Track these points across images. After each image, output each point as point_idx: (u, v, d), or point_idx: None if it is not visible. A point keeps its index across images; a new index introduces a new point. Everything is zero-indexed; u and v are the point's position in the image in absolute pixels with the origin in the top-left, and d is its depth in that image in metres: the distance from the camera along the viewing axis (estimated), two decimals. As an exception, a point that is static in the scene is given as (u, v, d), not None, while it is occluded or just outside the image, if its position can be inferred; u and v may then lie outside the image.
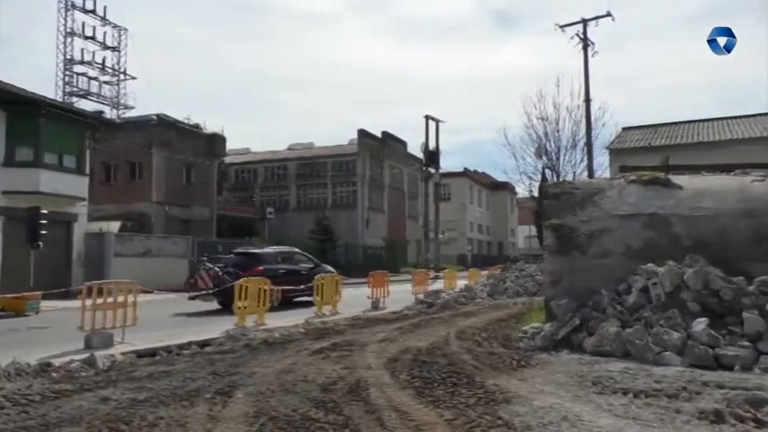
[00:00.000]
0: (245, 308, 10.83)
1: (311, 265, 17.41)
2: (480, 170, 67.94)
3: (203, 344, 8.53)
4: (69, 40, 40.53)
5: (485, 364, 6.59)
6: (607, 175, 24.67)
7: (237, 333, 9.24)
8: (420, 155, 42.14)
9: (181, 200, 33.40)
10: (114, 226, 26.40)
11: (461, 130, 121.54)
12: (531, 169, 33.29)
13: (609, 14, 27.44)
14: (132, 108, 42.15)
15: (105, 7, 41.36)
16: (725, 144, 24.14)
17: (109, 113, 38.56)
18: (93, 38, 41.02)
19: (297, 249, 19.65)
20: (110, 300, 8.78)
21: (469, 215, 64.12)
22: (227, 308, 12.44)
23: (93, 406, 4.96)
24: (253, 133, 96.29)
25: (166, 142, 32.87)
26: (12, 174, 19.64)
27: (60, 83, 40.52)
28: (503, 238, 72.43)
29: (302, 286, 14.93)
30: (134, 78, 43.34)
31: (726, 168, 10.73)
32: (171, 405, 4.93)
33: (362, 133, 45.83)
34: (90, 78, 41.36)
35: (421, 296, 16.07)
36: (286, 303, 14.15)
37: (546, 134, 32.38)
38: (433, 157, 39.60)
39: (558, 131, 32.23)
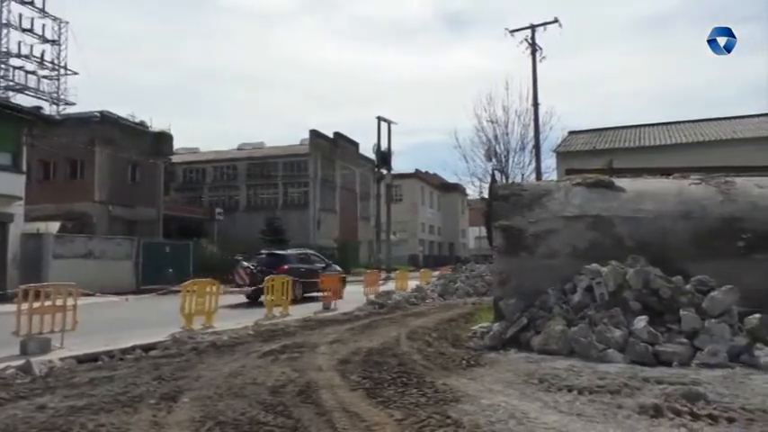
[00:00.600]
0: (273, 300, 12.87)
1: (323, 265, 19.85)
2: (432, 172, 68.70)
3: (148, 348, 8.28)
4: (5, 31, 38.61)
5: (435, 363, 6.64)
6: (554, 177, 25.29)
7: (184, 336, 9.01)
8: (372, 156, 42.17)
9: (125, 200, 32.36)
10: (53, 226, 25.28)
11: (413, 132, 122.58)
12: (481, 171, 33.86)
13: (556, 21, 28.19)
14: (73, 104, 40.47)
15: (44, -2, 39.65)
16: (665, 148, 25.11)
17: (48, 109, 36.96)
18: (31, 30, 39.17)
19: (312, 251, 22.55)
20: (48, 303, 8.40)
21: (421, 216, 64.68)
22: (254, 300, 15.08)
23: (28, 414, 4.74)
24: (201, 132, 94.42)
25: (110, 140, 31.79)
26: (-59, 171, 18.59)
27: (-5, 77, 38.62)
28: (454, 239, 73.36)
29: (317, 281, 17.07)
30: (75, 73, 41.60)
31: (665, 172, 11.16)
32: (113, 412, 4.76)
33: (314, 133, 45.60)
34: (27, 72, 39.43)
35: (372, 297, 16.10)
36: (300, 299, 16.11)
37: (495, 137, 32.99)
38: (385, 158, 39.66)
39: (507, 134, 32.88)
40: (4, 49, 38.66)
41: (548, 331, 7.33)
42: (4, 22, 38.53)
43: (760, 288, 7.38)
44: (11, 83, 39.07)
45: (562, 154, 27.48)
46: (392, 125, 39.88)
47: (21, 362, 6.86)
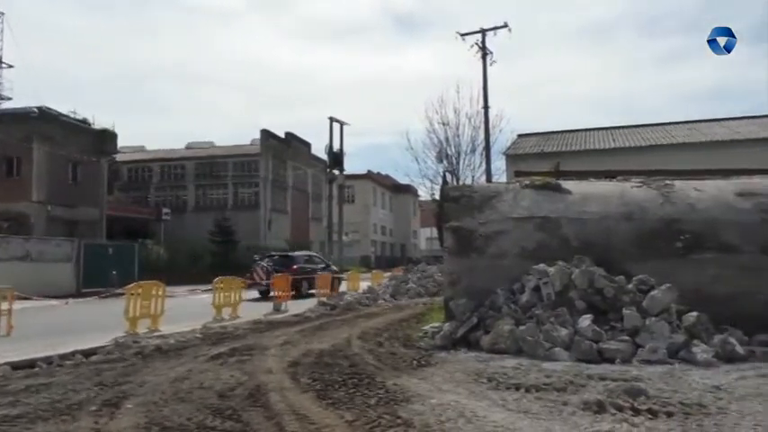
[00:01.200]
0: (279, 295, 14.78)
1: (323, 265, 22.52)
2: (384, 173, 68.88)
3: (89, 353, 7.96)
4: (-65, 21, 36.63)
5: (386, 364, 6.64)
6: (504, 179, 25.76)
7: (128, 341, 8.72)
8: (324, 156, 41.93)
9: (65, 199, 31.13)
10: (-13, 227, 24.12)
11: (366, 133, 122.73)
12: (432, 173, 34.22)
13: (506, 26, 28.68)
14: (9, 99, 38.55)
15: (-22, -12, 37.84)
16: (609, 152, 26.00)
17: (-19, 104, 35.24)
18: (-38, 21, 37.29)
19: (314, 253, 26.02)
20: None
21: (373, 217, 64.77)
22: (266, 296, 17.22)
23: (-43, 425, 4.48)
24: (147, 131, 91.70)
25: (49, 137, 30.54)
26: None
27: (-77, 69, 36.52)
28: (405, 240, 73.77)
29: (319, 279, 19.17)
30: (10, 67, 39.63)
31: (610, 175, 11.54)
32: (50, 420, 4.55)
33: (265, 133, 45.04)
34: (-41, 65, 37.55)
35: (324, 298, 16.01)
36: (301, 294, 17.77)
37: (447, 139, 33.42)
38: (337, 158, 39.49)
39: (458, 136, 33.34)
40: (-66, 40, 36.64)
41: (497, 330, 7.45)
42: (-67, 11, 36.51)
43: (697, 287, 7.72)
44: (-59, 76, 37.05)
45: (511, 156, 28.05)
46: (344, 126, 39.78)
47: (-50, 370, 6.49)
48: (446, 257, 9.79)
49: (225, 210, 42.14)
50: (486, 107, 29.16)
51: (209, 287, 13.64)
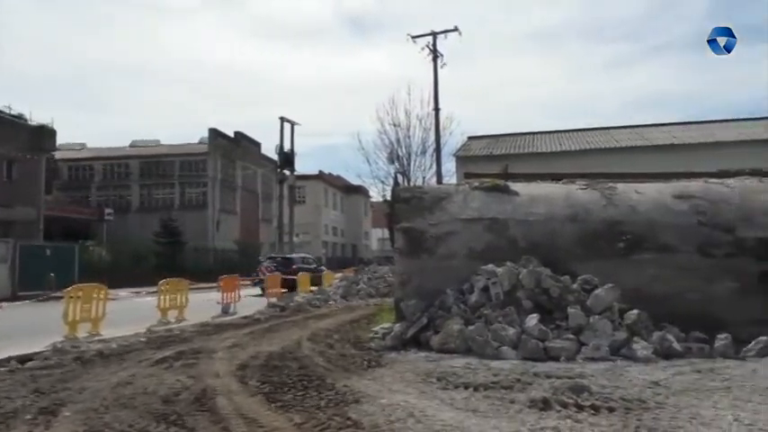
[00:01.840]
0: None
1: (315, 266, 26.69)
2: (335, 173, 68.64)
3: (25, 359, 7.58)
4: None
5: (336, 365, 6.61)
6: (454, 180, 26.08)
7: (67, 345, 8.37)
8: (275, 156, 41.46)
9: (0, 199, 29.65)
10: None
11: (317, 134, 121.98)
12: (383, 174, 34.30)
13: (456, 29, 29.09)
14: (-61, 92, 36.66)
15: None
16: (555, 155, 26.66)
17: None
18: None
19: (308, 255, 30.57)
20: None
21: (324, 218, 64.43)
22: (264, 292, 18.18)
23: None
24: (89, 128, 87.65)
25: (-19, 133, 29.02)
26: None
27: None
28: (357, 241, 73.72)
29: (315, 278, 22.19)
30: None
31: (556, 177, 11.82)
32: (-20, 430, 4.32)
33: (214, 132, 44.14)
34: None
35: (274, 300, 15.81)
36: (293, 290, 19.16)
37: (398, 140, 33.58)
38: (288, 159, 39.10)
39: (409, 138, 33.54)
40: None
41: (446, 330, 7.53)
42: None
43: (637, 286, 8.00)
44: None
45: (461, 158, 28.41)
46: (296, 126, 39.46)
47: None
48: (397, 258, 9.83)
49: (171, 210, 41.06)
50: (436, 109, 29.50)
51: (155, 289, 13.25)
